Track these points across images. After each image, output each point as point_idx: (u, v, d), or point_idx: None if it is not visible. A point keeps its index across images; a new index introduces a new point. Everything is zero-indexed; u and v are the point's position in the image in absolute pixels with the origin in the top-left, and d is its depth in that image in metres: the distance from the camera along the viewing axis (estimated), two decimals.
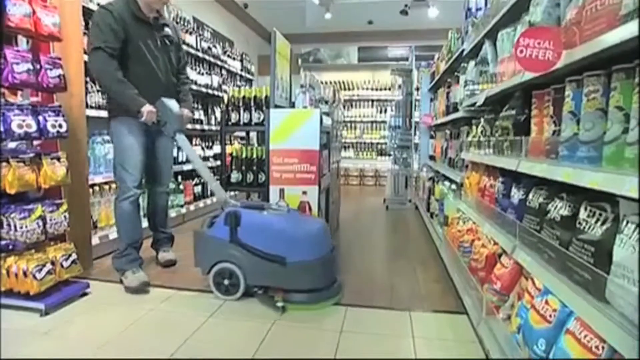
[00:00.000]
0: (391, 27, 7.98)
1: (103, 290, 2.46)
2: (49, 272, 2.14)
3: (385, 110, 8.26)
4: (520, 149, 1.70)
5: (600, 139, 1.15)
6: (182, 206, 4.30)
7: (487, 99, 2.25)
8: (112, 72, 2.37)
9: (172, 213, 3.94)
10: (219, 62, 5.53)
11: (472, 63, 2.78)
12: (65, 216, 2.29)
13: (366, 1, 7.05)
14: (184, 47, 4.55)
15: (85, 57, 2.56)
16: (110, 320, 2.08)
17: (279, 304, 2.19)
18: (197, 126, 4.75)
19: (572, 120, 1.30)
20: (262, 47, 8.24)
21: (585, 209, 1.20)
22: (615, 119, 1.10)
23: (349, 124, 8.42)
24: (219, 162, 4.18)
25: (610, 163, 1.10)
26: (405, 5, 7.03)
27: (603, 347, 1.01)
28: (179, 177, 4.34)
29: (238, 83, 6.21)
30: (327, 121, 3.20)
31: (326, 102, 3.52)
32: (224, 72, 5.73)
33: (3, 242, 2.09)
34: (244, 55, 6.62)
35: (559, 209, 1.36)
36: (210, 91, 5.11)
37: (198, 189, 4.75)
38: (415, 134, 5.97)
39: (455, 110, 3.30)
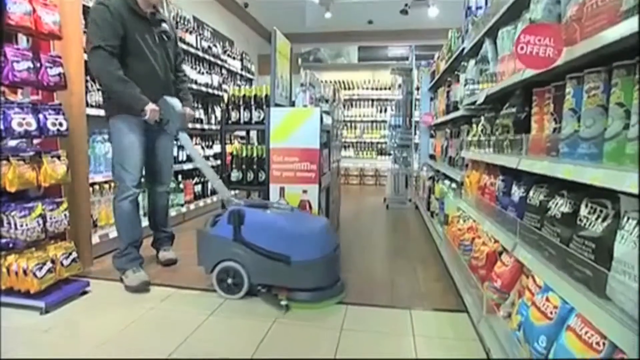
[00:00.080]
0: (391, 27, 7.98)
1: (103, 289, 2.46)
2: (49, 271, 2.14)
3: (385, 110, 8.26)
4: (521, 147, 1.70)
5: (601, 135, 1.15)
6: (182, 205, 4.30)
7: (487, 97, 2.25)
8: (114, 71, 2.35)
9: (172, 212, 3.94)
10: (219, 62, 5.53)
11: (472, 62, 2.78)
12: (65, 215, 2.29)
13: (366, 1, 7.05)
14: (184, 46, 4.58)
15: (86, 56, 2.55)
16: (110, 319, 2.08)
17: (283, 303, 2.18)
18: (197, 125, 4.75)
19: (572, 117, 1.30)
20: (262, 47, 8.24)
21: (586, 205, 1.20)
22: (616, 116, 1.10)
23: (349, 124, 8.42)
24: (219, 162, 4.18)
25: (611, 159, 1.10)
26: (406, 5, 7.03)
27: (604, 344, 1.01)
28: (179, 176, 4.34)
29: (238, 82, 6.21)
30: (328, 120, 3.20)
31: (326, 101, 3.52)
32: (224, 71, 5.73)
33: (3, 241, 2.08)
34: (244, 55, 6.62)
35: (560, 206, 1.36)
36: (210, 90, 5.11)
37: (198, 188, 4.74)
38: (415, 134, 5.97)
39: (456, 109, 3.30)
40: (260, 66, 8.11)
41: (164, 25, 2.65)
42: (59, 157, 2.25)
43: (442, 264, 2.98)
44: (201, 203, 4.75)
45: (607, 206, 1.12)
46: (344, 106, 7.56)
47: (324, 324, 2.07)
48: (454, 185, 3.28)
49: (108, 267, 2.71)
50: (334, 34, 8.46)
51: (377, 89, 8.46)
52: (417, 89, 6.15)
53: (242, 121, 3.21)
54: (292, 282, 2.25)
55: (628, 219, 0.99)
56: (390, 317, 2.18)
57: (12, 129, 2.01)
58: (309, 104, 3.11)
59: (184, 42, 4.61)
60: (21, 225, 2.06)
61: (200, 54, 4.99)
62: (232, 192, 2.66)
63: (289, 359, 1.74)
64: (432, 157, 4.95)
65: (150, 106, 2.42)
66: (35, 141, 2.30)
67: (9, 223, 2.06)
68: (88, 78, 2.95)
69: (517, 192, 1.78)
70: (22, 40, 2.43)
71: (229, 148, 3.43)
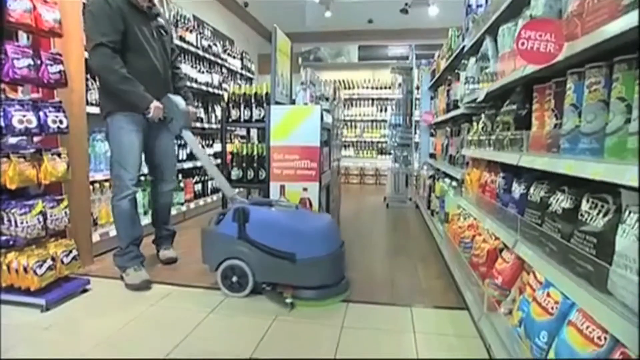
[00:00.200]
0: (391, 26, 7.98)
1: (103, 287, 2.45)
2: (49, 268, 2.14)
3: (386, 109, 8.26)
4: (522, 144, 1.70)
5: (602, 130, 1.15)
6: (182, 204, 4.30)
7: (487, 94, 2.25)
8: (118, 69, 2.31)
9: (173, 211, 3.91)
10: (219, 61, 5.53)
11: (472, 60, 2.78)
12: (65, 212, 2.29)
13: (366, 0, 7.04)
14: (184, 45, 4.58)
15: (86, 54, 2.54)
16: (111, 316, 2.08)
17: (288, 301, 2.17)
18: (198, 124, 4.75)
19: (573, 113, 1.30)
20: (262, 46, 8.23)
21: (587, 200, 1.20)
22: (617, 110, 1.09)
23: (349, 123, 8.41)
24: (219, 160, 4.18)
25: (612, 154, 1.10)
26: (406, 4, 7.02)
27: (605, 338, 1.01)
28: (180, 175, 4.34)
29: (238, 82, 6.22)
30: (328, 118, 3.20)
31: (327, 99, 3.51)
32: (224, 70, 5.73)
33: (3, 238, 2.09)
34: (244, 54, 6.62)
35: (561, 202, 1.36)
36: (210, 89, 5.10)
37: (198, 187, 4.74)
38: (415, 133, 5.97)
39: (456, 107, 3.30)
40: (260, 65, 8.11)
41: (159, 19, 2.63)
42: (59, 155, 2.24)
43: (442, 262, 2.98)
44: (201, 202, 4.75)
45: (608, 201, 1.12)
46: (344, 105, 7.55)
47: (325, 322, 2.07)
48: (454, 183, 3.28)
49: (108, 265, 2.71)
50: (334, 33, 8.46)
51: (377, 88, 8.46)
52: (417, 88, 6.15)
53: (242, 119, 3.20)
54: (298, 280, 2.24)
55: (629, 212, 0.99)
56: (391, 314, 2.18)
57: (13, 126, 2.01)
58: (309, 102, 3.11)
59: (184, 40, 4.61)
60: (21, 223, 2.06)
61: (200, 52, 4.98)
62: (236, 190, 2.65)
63: (289, 358, 1.74)
64: (432, 155, 4.95)
65: (155, 104, 2.40)
66: (35, 139, 2.30)
67: (9, 220, 2.06)
68: (88, 76, 2.95)
69: (517, 189, 1.78)
70: (23, 38, 2.42)
71: (229, 147, 3.43)
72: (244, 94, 3.22)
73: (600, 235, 1.09)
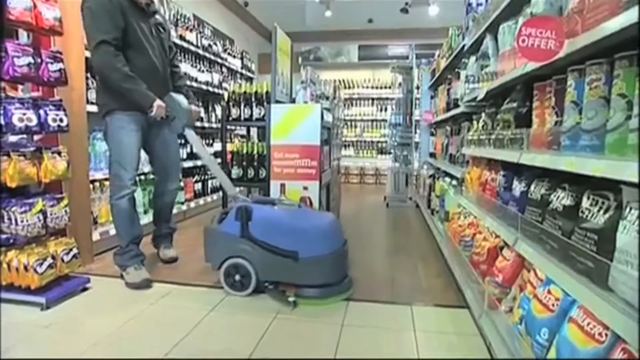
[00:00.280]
0: (392, 26, 7.97)
1: (104, 286, 2.45)
2: (49, 266, 2.14)
3: (386, 109, 8.26)
4: (522, 141, 1.70)
5: (603, 127, 1.15)
6: (182, 203, 4.29)
7: (488, 93, 2.25)
8: (121, 68, 2.28)
9: (173, 210, 3.93)
10: (219, 60, 5.53)
11: (472, 58, 2.78)
12: (65, 211, 2.28)
13: None
14: (185, 44, 4.58)
15: (87, 53, 2.54)
16: (111, 315, 2.08)
17: (291, 299, 2.17)
18: (198, 123, 4.74)
19: (574, 110, 1.30)
20: (262, 46, 8.23)
21: (588, 197, 1.20)
22: (618, 107, 1.10)
23: (349, 123, 8.41)
24: (219, 160, 4.18)
25: (613, 151, 1.10)
26: (406, 4, 7.02)
27: (606, 334, 1.00)
28: (180, 174, 4.34)
29: (238, 81, 6.21)
30: (328, 117, 3.20)
31: (327, 98, 3.51)
32: (224, 69, 5.73)
33: (4, 236, 2.08)
34: (244, 53, 6.62)
35: (561, 199, 1.36)
36: (210, 89, 5.10)
37: (198, 186, 4.74)
38: (415, 132, 5.97)
39: (456, 106, 3.30)
40: (260, 65, 8.11)
41: (157, 16, 2.61)
42: (59, 153, 2.24)
43: (442, 260, 2.98)
44: (201, 201, 4.75)
45: (609, 198, 1.12)
46: (344, 105, 7.56)
47: (325, 320, 2.07)
48: (454, 182, 3.28)
49: (108, 264, 2.71)
50: (334, 33, 8.45)
51: (377, 87, 8.45)
52: (417, 87, 6.14)
53: (242, 118, 3.20)
54: (301, 278, 2.23)
55: (630, 209, 0.99)
56: (391, 312, 2.17)
57: (13, 125, 2.00)
58: (309, 101, 3.11)
59: (184, 40, 4.61)
60: (22, 221, 2.06)
61: (200, 52, 4.98)
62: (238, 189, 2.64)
63: (289, 358, 1.73)
64: (432, 155, 4.95)
65: (158, 102, 2.39)
66: (35, 137, 2.30)
67: (9, 219, 2.06)
68: (88, 75, 2.95)
69: (518, 187, 1.78)
70: (23, 36, 2.42)
71: (229, 147, 3.43)
72: (244, 92, 3.22)
73: (601, 232, 1.09)
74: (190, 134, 2.56)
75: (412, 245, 3.62)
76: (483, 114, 2.42)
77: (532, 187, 1.62)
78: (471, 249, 2.26)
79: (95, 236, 2.94)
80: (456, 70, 3.47)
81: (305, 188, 2.78)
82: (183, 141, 4.21)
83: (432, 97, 5.35)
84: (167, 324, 2.01)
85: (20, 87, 2.32)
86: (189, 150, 4.39)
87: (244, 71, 6.45)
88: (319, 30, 8.28)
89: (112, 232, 3.02)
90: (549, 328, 1.22)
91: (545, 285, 1.32)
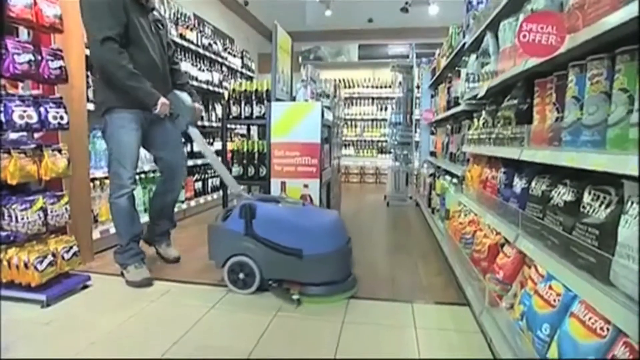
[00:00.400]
0: (392, 25, 7.97)
1: (104, 283, 2.45)
2: (50, 264, 2.14)
3: (386, 108, 8.26)
4: (523, 138, 1.70)
5: (604, 122, 1.15)
6: (182, 202, 4.29)
7: (488, 90, 2.25)
8: (126, 65, 2.25)
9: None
10: (219, 59, 5.53)
11: (473, 56, 2.78)
12: (66, 208, 2.28)
13: None
14: (185, 42, 4.58)
15: (87, 51, 2.53)
16: (111, 312, 2.08)
17: (295, 297, 2.16)
18: (198, 122, 4.74)
19: (575, 106, 1.30)
20: (262, 45, 8.23)
21: (589, 193, 1.20)
22: (619, 102, 1.09)
23: (349, 122, 8.41)
24: (220, 158, 4.18)
25: (614, 146, 1.10)
26: (406, 3, 7.02)
27: (608, 329, 1.00)
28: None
29: (238, 80, 6.21)
30: (329, 115, 3.20)
31: (327, 96, 3.51)
32: (224, 68, 5.73)
33: (4, 234, 2.08)
34: (244, 53, 6.62)
35: (562, 195, 1.35)
36: (210, 88, 5.10)
37: (199, 185, 4.74)
38: (415, 131, 5.97)
39: (457, 104, 3.30)
40: (261, 64, 8.11)
41: (155, 13, 2.59)
42: (59, 151, 2.24)
43: (443, 259, 2.98)
44: (202, 200, 4.75)
45: (610, 193, 1.12)
46: (345, 104, 7.56)
47: (326, 318, 2.06)
48: (455, 180, 3.28)
49: (109, 262, 2.70)
50: (334, 32, 8.45)
51: (377, 87, 8.45)
52: (418, 87, 6.14)
53: (243, 116, 3.20)
54: (305, 276, 2.22)
55: (632, 203, 0.99)
56: (392, 310, 2.17)
57: (14, 122, 2.01)
58: (310, 99, 3.11)
59: (184, 38, 4.61)
60: (22, 219, 2.06)
61: (200, 51, 4.98)
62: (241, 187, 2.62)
63: (289, 358, 1.73)
64: (432, 154, 4.95)
65: (162, 100, 2.37)
66: (36, 135, 2.30)
67: (9, 216, 2.06)
68: (89, 73, 2.94)
69: (519, 184, 1.78)
70: (23, 33, 2.42)
71: (229, 145, 3.43)
72: (245, 90, 3.22)
73: (603, 226, 1.09)
74: (194, 131, 2.55)
75: (413, 243, 3.62)
76: (484, 112, 2.42)
77: (533, 184, 1.62)
78: (472, 247, 2.26)
79: (96, 234, 2.94)
80: (456, 68, 3.46)
81: (306, 186, 2.78)
82: (183, 140, 4.22)
83: (432, 96, 5.35)
84: (168, 322, 2.00)
85: (20, 84, 2.32)
86: (189, 149, 4.39)
87: (244, 70, 6.45)
88: (319, 29, 8.28)
89: (113, 230, 3.01)
90: (550, 323, 1.22)
91: (547, 281, 1.32)
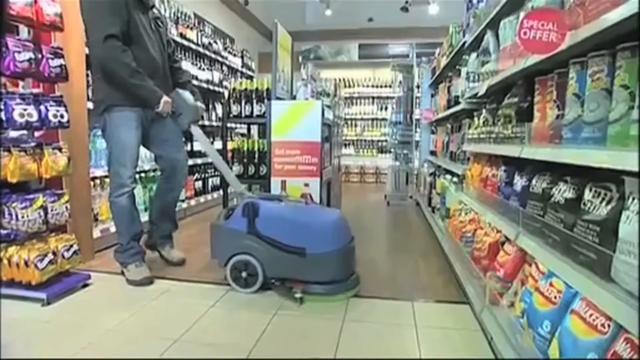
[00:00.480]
0: (392, 25, 7.97)
1: (104, 282, 2.45)
2: (50, 262, 2.14)
3: (386, 108, 8.26)
4: (524, 136, 1.70)
5: (605, 119, 1.15)
6: (183, 201, 4.29)
7: (488, 88, 2.25)
8: (129, 63, 2.24)
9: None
10: (219, 58, 5.53)
11: (473, 55, 2.78)
12: (66, 207, 2.28)
13: None
14: (185, 42, 4.58)
15: (86, 50, 2.52)
16: (111, 310, 2.08)
17: (297, 295, 2.16)
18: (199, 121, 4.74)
19: (576, 103, 1.30)
20: (263, 45, 8.23)
21: (590, 190, 1.19)
22: (620, 98, 1.09)
23: (349, 122, 8.40)
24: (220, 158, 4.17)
25: (615, 142, 1.10)
26: (406, 2, 7.03)
27: (609, 325, 1.00)
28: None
29: (239, 79, 6.21)
30: (329, 114, 3.20)
31: (327, 95, 3.51)
32: (224, 68, 5.73)
33: (4, 232, 2.09)
34: (244, 52, 6.62)
35: (563, 192, 1.35)
36: (211, 87, 5.10)
37: (199, 184, 4.74)
38: (416, 131, 5.97)
39: (457, 103, 3.30)
40: (261, 64, 8.10)
41: (155, 10, 2.58)
42: (60, 149, 2.24)
43: (443, 257, 2.98)
44: (202, 199, 4.75)
45: (611, 189, 1.12)
46: (345, 104, 7.56)
47: (327, 316, 2.06)
48: (455, 179, 3.28)
49: (109, 260, 2.70)
50: (335, 32, 8.45)
51: (377, 86, 8.46)
52: (418, 86, 6.14)
53: (243, 115, 3.19)
54: (308, 275, 2.21)
55: (633, 199, 0.99)
56: (393, 309, 2.17)
57: (14, 120, 2.00)
58: (310, 98, 3.11)
59: (185, 38, 4.61)
60: (22, 217, 2.05)
61: (201, 50, 4.98)
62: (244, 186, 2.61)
63: (289, 358, 1.72)
64: (433, 153, 4.94)
65: (165, 98, 2.37)
66: (36, 133, 2.29)
67: (10, 214, 2.06)
68: (89, 72, 2.93)
69: (519, 182, 1.78)
70: (23, 32, 2.42)
71: (230, 144, 3.42)
72: (245, 89, 3.21)
73: (604, 223, 1.09)
74: (196, 130, 2.55)
75: (413, 242, 3.62)
76: (484, 110, 2.42)
77: (533, 182, 1.62)
78: (472, 245, 2.26)
79: (96, 233, 2.94)
80: (457, 67, 3.46)
81: (306, 185, 2.78)
82: (183, 139, 4.21)
83: (432, 96, 5.34)
84: (168, 320, 2.00)
85: (20, 83, 2.32)
86: (188, 148, 4.39)
87: (244, 70, 6.45)
88: (319, 29, 8.29)
89: (113, 229, 3.00)
90: (551, 320, 1.22)
91: (547, 278, 1.32)
